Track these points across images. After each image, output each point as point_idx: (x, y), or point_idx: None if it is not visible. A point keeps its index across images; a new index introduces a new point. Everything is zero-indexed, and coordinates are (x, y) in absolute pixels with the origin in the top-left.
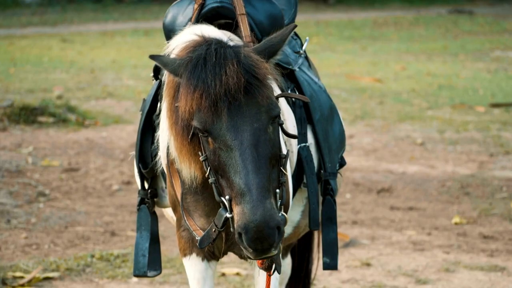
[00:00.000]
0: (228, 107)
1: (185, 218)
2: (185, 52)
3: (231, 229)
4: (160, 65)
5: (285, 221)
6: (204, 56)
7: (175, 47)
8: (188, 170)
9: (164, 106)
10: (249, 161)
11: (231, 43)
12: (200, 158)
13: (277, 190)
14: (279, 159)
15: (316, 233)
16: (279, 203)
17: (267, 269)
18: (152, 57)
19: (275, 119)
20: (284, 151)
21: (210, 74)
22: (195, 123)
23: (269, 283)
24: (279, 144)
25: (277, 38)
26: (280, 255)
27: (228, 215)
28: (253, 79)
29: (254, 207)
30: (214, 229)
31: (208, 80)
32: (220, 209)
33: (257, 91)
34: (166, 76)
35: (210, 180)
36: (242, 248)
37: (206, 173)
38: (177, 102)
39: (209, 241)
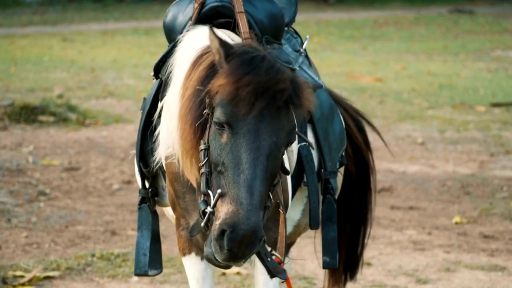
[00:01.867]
0: (258, 111)
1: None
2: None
3: (202, 224)
4: (219, 43)
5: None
6: (262, 56)
7: (183, 53)
8: (184, 160)
9: (177, 92)
10: (259, 168)
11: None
12: (201, 146)
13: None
14: (273, 183)
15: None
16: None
17: (272, 277)
18: (213, 31)
19: (288, 145)
20: (277, 179)
21: (264, 71)
22: (218, 114)
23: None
24: (279, 169)
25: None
26: (286, 260)
27: (209, 209)
28: (294, 99)
29: (251, 211)
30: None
31: (258, 74)
32: (200, 201)
33: (289, 111)
34: (196, 57)
35: (202, 170)
36: (215, 246)
37: (201, 162)
38: (202, 86)
39: (199, 229)
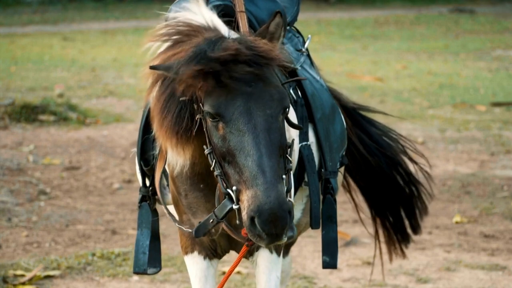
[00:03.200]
0: (241, 91)
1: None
2: (184, 53)
3: (237, 221)
4: (164, 72)
5: (292, 206)
6: (209, 43)
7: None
8: (175, 153)
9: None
10: (263, 144)
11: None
12: (206, 151)
13: (284, 176)
14: (285, 149)
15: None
16: (285, 189)
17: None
18: (154, 67)
19: (286, 110)
20: (289, 139)
21: (220, 54)
22: (206, 108)
23: (242, 255)
24: (285, 135)
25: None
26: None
27: (234, 206)
28: (264, 66)
29: (268, 189)
30: (212, 220)
31: (215, 58)
32: (225, 200)
33: (269, 78)
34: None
35: (215, 173)
36: (254, 236)
37: (211, 166)
38: (182, 97)
39: (204, 231)
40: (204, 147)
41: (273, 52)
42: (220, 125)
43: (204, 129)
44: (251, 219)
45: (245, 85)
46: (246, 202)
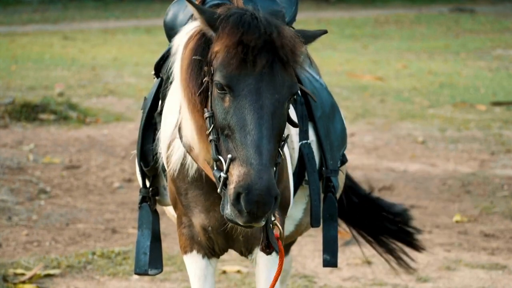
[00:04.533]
0: (256, 70)
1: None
2: (224, 9)
3: (218, 190)
4: (196, 10)
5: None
6: (250, 13)
7: (179, 45)
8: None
9: (178, 63)
10: (265, 127)
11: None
12: (205, 114)
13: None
14: (281, 139)
15: None
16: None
17: (266, 248)
18: (189, 1)
19: (293, 97)
20: (285, 134)
21: (256, 29)
22: (218, 77)
23: (280, 270)
24: (286, 124)
25: (310, 32)
26: (273, 234)
27: (223, 174)
28: (289, 52)
29: (262, 170)
30: (222, 192)
31: (251, 33)
32: (214, 170)
33: (287, 64)
34: (189, 30)
35: (210, 137)
36: (234, 210)
37: (208, 130)
38: (197, 55)
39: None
40: (205, 109)
41: (298, 57)
42: (227, 97)
43: (209, 93)
44: (237, 195)
45: (261, 66)
46: (237, 177)
